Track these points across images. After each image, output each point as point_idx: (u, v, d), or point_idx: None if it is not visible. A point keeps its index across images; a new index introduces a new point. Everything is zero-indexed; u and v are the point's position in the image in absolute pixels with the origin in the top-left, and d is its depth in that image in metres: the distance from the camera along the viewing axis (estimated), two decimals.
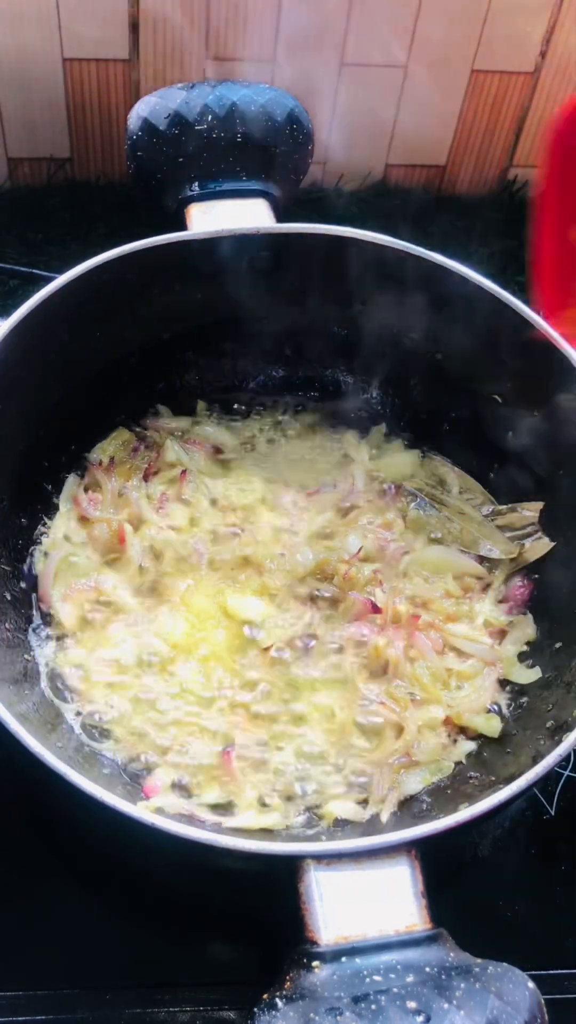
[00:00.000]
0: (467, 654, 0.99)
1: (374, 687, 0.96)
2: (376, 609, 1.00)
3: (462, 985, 0.63)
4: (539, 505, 1.05)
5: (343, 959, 0.66)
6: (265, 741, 0.92)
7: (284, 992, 0.64)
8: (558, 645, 0.97)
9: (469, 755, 0.94)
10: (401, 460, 1.13)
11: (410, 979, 0.64)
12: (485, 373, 1.06)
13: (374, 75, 1.41)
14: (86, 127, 1.44)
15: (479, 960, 0.66)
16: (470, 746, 0.95)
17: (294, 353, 1.18)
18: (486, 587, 1.05)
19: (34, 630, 0.98)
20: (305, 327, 1.14)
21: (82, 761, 0.87)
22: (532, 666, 0.98)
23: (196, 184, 1.09)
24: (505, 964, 0.65)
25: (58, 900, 0.91)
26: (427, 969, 0.65)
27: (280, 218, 1.08)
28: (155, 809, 0.84)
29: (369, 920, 0.69)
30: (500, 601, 1.04)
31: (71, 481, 1.08)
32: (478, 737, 0.95)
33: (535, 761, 0.78)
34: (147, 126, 1.08)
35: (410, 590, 1.03)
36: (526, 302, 1.02)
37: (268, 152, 1.10)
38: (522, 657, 1.00)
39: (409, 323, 1.07)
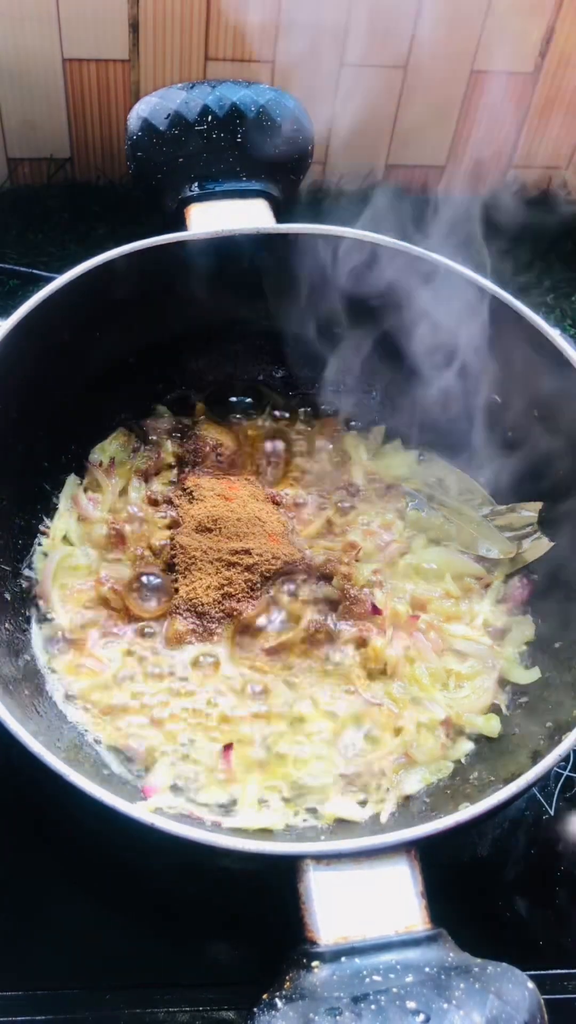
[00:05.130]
0: (467, 655, 0.99)
1: (374, 687, 0.96)
2: (376, 610, 1.00)
3: (462, 985, 0.63)
4: (538, 505, 1.05)
5: (343, 959, 0.66)
6: (265, 741, 0.92)
7: (284, 992, 0.64)
8: (558, 645, 0.97)
9: (469, 755, 0.94)
10: (400, 460, 1.13)
11: (410, 979, 0.64)
12: (484, 373, 1.06)
13: (374, 75, 1.41)
14: (86, 127, 1.44)
15: (479, 960, 0.66)
16: (469, 746, 0.95)
17: (294, 353, 1.18)
18: (486, 587, 1.05)
19: (34, 630, 0.98)
20: (305, 327, 1.14)
21: (82, 761, 0.88)
22: (532, 666, 0.98)
23: (196, 184, 1.09)
24: (505, 964, 0.65)
25: (58, 900, 0.91)
26: (427, 969, 0.65)
27: (280, 218, 1.08)
28: (154, 809, 0.84)
29: (369, 920, 0.69)
30: (500, 601, 1.04)
31: (71, 481, 1.08)
32: (478, 737, 0.95)
33: (535, 761, 0.78)
34: (147, 126, 1.08)
35: (410, 590, 1.03)
36: (526, 303, 1.02)
37: (268, 152, 1.10)
38: (522, 657, 1.00)
39: (408, 323, 1.07)
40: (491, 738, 0.95)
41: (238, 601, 0.99)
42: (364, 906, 0.69)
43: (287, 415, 1.18)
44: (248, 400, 1.18)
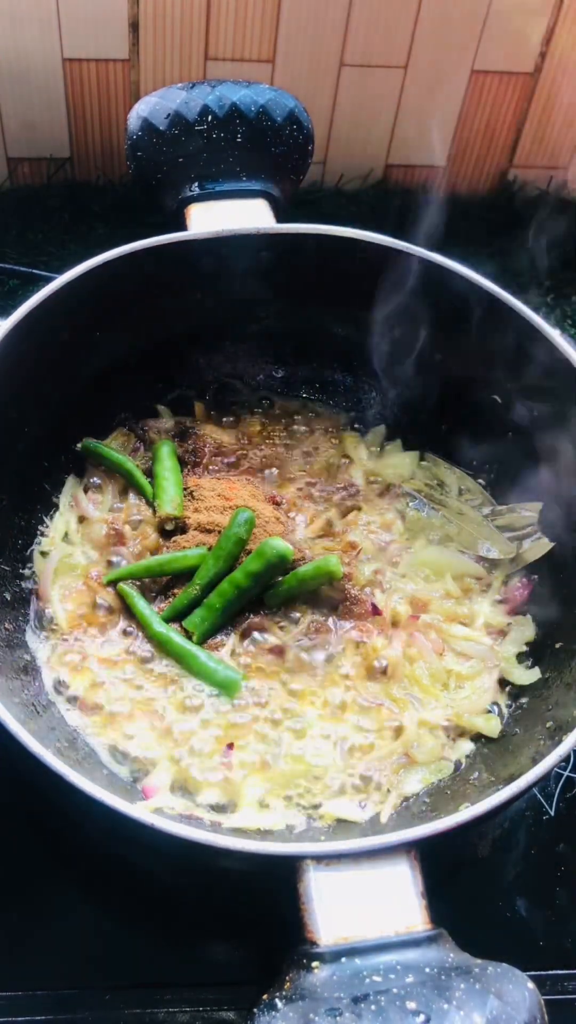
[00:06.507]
0: (467, 655, 0.99)
1: (374, 688, 0.96)
2: (376, 610, 1.00)
3: (462, 985, 0.63)
4: (538, 505, 1.05)
5: (343, 960, 0.66)
6: (265, 741, 0.92)
7: (284, 992, 0.64)
8: (558, 645, 0.97)
9: (469, 755, 0.94)
10: (401, 461, 1.13)
11: (410, 979, 0.64)
12: (485, 373, 1.06)
13: (374, 75, 1.41)
14: (86, 127, 1.44)
15: (479, 960, 0.66)
16: (470, 746, 0.95)
17: (294, 353, 1.18)
18: (486, 588, 1.05)
19: (34, 630, 0.98)
20: (305, 327, 1.14)
21: (82, 761, 0.88)
22: (532, 666, 0.98)
23: (196, 184, 1.09)
24: (505, 964, 0.65)
25: (58, 901, 0.91)
26: (427, 969, 0.65)
27: (280, 218, 1.08)
28: (154, 810, 0.84)
29: (369, 921, 0.69)
30: (500, 601, 1.04)
31: (71, 481, 1.08)
32: (478, 737, 0.95)
33: (535, 761, 0.78)
34: (147, 126, 1.08)
35: (410, 590, 1.03)
36: (525, 302, 1.02)
37: (268, 152, 1.10)
38: (522, 657, 1.00)
39: (409, 324, 1.07)
40: (491, 738, 0.95)
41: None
42: (364, 906, 0.69)
43: (287, 415, 1.18)
44: (248, 400, 1.18)
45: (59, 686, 0.94)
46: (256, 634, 0.98)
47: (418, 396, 1.13)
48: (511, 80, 1.45)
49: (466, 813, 0.74)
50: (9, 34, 1.31)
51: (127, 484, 1.08)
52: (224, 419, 1.16)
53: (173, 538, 1.03)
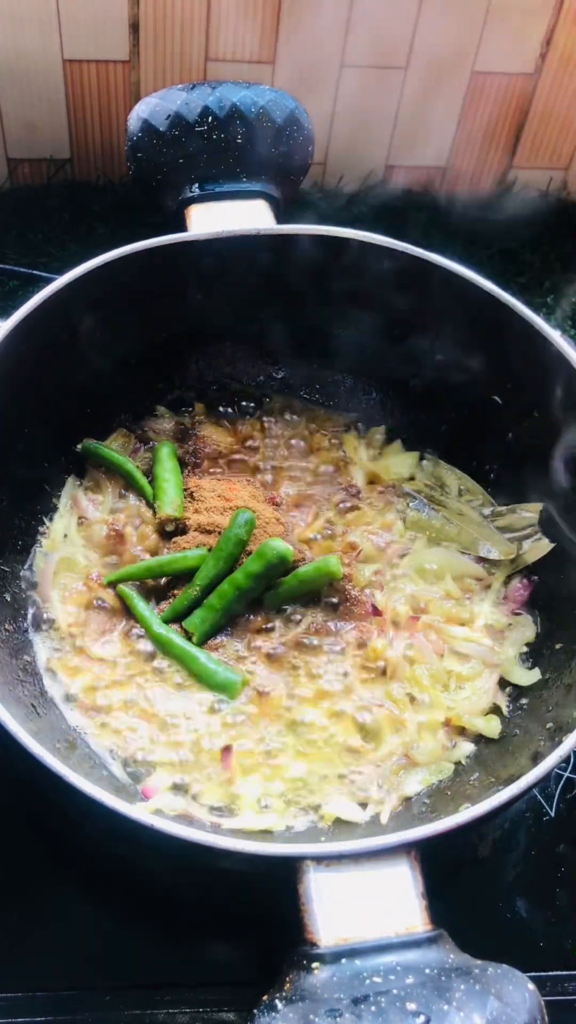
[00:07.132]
0: (467, 656, 0.99)
1: (374, 689, 0.96)
2: (376, 611, 1.00)
3: (462, 986, 0.63)
4: (539, 506, 1.05)
5: (343, 960, 0.66)
6: (265, 742, 0.92)
7: (284, 993, 0.64)
8: (558, 646, 0.97)
9: (469, 756, 0.94)
10: (401, 461, 1.13)
11: (410, 980, 0.64)
12: (485, 374, 1.06)
13: (374, 75, 1.41)
14: (86, 127, 1.44)
15: (479, 961, 0.66)
16: (470, 747, 0.95)
17: (294, 353, 1.18)
18: (486, 588, 1.05)
19: (34, 630, 0.98)
20: (305, 328, 1.14)
21: (82, 762, 0.88)
22: (532, 667, 0.98)
23: (196, 185, 1.09)
24: (505, 965, 0.65)
25: (58, 901, 0.91)
26: (427, 971, 0.65)
27: (280, 219, 1.08)
28: (154, 810, 0.84)
29: (369, 921, 0.69)
30: (500, 602, 1.04)
31: (71, 482, 1.08)
32: (478, 738, 0.95)
33: (535, 762, 0.78)
34: (147, 127, 1.08)
35: (410, 591, 1.03)
36: (525, 303, 1.02)
37: (268, 153, 1.10)
38: (522, 658, 1.00)
39: (408, 324, 1.07)
40: (492, 739, 0.95)
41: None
42: (364, 907, 0.69)
43: (287, 416, 1.18)
44: (248, 400, 1.18)
45: (59, 687, 0.94)
46: (256, 635, 0.98)
47: (418, 396, 1.13)
48: (511, 80, 1.45)
49: (466, 814, 0.74)
50: (9, 34, 1.31)
51: (127, 485, 1.08)
52: (224, 419, 1.16)
53: (173, 539, 1.03)
